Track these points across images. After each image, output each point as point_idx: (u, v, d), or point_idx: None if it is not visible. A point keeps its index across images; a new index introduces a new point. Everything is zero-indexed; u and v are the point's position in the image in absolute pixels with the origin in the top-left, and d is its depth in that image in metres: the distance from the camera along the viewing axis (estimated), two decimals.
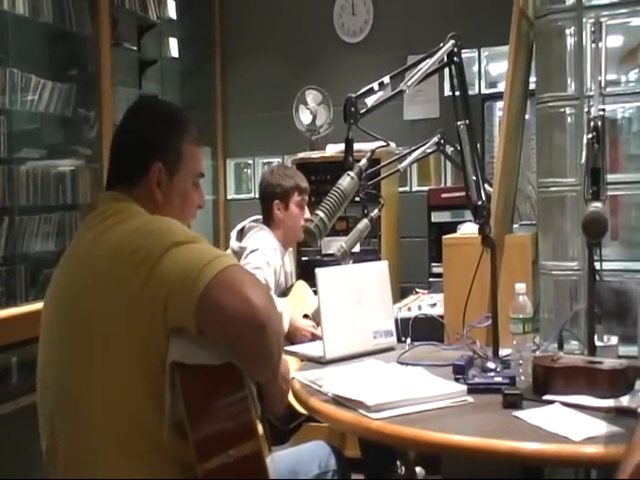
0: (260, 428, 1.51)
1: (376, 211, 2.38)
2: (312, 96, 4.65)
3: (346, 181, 2.09)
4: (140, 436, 1.44)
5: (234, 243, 3.29)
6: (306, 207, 3.37)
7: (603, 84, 2.19)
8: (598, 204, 1.87)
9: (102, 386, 1.46)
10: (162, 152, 1.65)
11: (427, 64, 2.15)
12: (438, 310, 2.80)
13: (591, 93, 2.30)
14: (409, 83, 2.12)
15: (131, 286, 1.43)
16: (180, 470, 1.44)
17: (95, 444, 1.46)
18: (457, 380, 1.97)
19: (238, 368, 1.43)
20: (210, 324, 1.39)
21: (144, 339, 1.43)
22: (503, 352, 2.12)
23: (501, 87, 4.13)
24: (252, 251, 3.13)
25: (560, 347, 2.10)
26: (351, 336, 2.37)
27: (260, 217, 3.40)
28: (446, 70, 2.23)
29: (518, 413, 1.71)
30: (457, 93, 2.22)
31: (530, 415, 1.69)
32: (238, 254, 3.21)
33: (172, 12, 5.07)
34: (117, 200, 1.62)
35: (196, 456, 1.37)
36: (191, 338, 1.41)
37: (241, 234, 3.35)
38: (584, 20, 2.41)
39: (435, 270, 4.04)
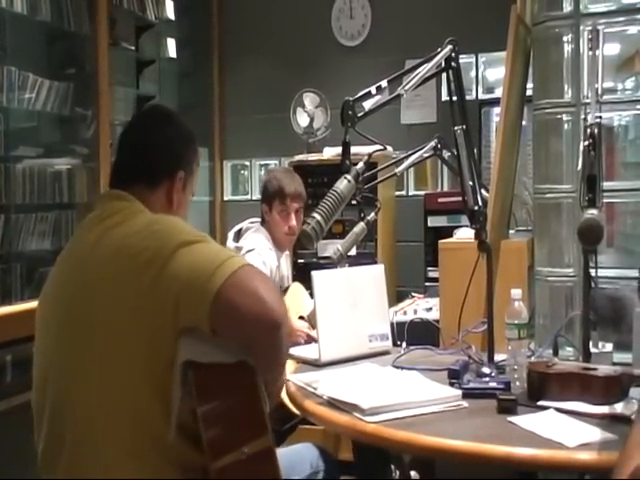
0: None
1: (373, 215, 2.38)
2: (310, 99, 4.65)
3: (343, 184, 2.09)
4: (145, 438, 1.44)
5: (231, 243, 3.29)
6: (292, 215, 3.28)
7: (600, 91, 2.20)
8: (594, 211, 1.88)
9: (106, 387, 1.46)
10: (185, 164, 1.75)
11: (425, 68, 2.16)
12: (434, 314, 2.81)
13: (588, 100, 2.31)
14: (407, 87, 2.13)
15: (138, 285, 1.43)
16: (183, 472, 1.44)
17: (99, 446, 1.45)
18: (452, 385, 1.98)
19: (251, 365, 1.44)
20: (225, 324, 1.40)
21: (152, 339, 1.43)
22: (498, 357, 2.12)
23: (498, 93, 4.14)
24: (248, 251, 3.13)
25: (555, 353, 2.11)
26: (347, 339, 2.37)
27: (258, 219, 3.40)
28: (443, 75, 2.24)
29: (512, 418, 1.72)
30: (454, 98, 2.23)
31: (524, 421, 1.70)
32: None
33: (170, 13, 5.07)
34: (119, 199, 1.63)
35: (209, 453, 1.37)
36: (203, 337, 1.41)
37: (238, 235, 3.35)
38: (581, 27, 2.41)
39: (431, 274, 4.05)
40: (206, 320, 1.38)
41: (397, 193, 4.72)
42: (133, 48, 4.71)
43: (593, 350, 1.99)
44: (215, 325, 1.39)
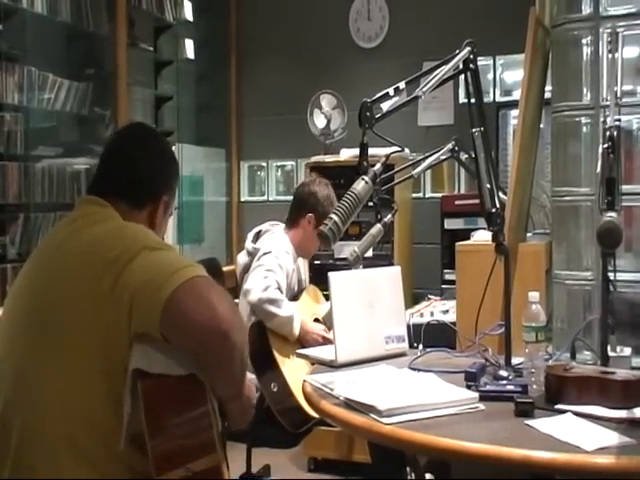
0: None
1: (389, 216, 2.37)
2: (327, 100, 4.65)
3: (360, 185, 2.09)
4: (94, 441, 1.44)
5: (249, 244, 3.31)
6: None
7: (619, 94, 2.19)
8: (613, 214, 1.87)
9: (60, 386, 1.46)
10: (170, 188, 1.78)
11: (443, 70, 2.15)
12: (450, 317, 2.80)
13: (607, 103, 2.30)
14: (425, 89, 2.12)
15: (100, 287, 1.44)
16: (132, 476, 1.44)
17: (47, 445, 1.45)
18: (469, 387, 1.97)
19: (201, 381, 1.43)
20: (174, 330, 1.40)
21: (108, 342, 1.43)
22: (515, 360, 2.11)
23: (516, 95, 4.13)
24: (265, 253, 3.14)
25: (572, 357, 2.09)
26: (363, 341, 2.37)
27: (277, 222, 3.40)
28: (461, 77, 2.23)
29: (530, 422, 1.71)
30: (472, 100, 2.22)
31: (542, 424, 1.68)
32: (252, 254, 3.23)
33: (188, 14, 5.10)
34: (97, 204, 1.66)
35: (154, 468, 1.36)
36: (155, 346, 1.41)
37: (257, 236, 3.36)
38: (601, 30, 2.41)
39: (448, 277, 4.05)
40: (157, 326, 1.39)
41: (414, 195, 4.72)
42: (151, 49, 4.75)
43: (611, 354, 1.98)
44: (165, 331, 1.39)
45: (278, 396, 2.86)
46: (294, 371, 2.87)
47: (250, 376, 1.64)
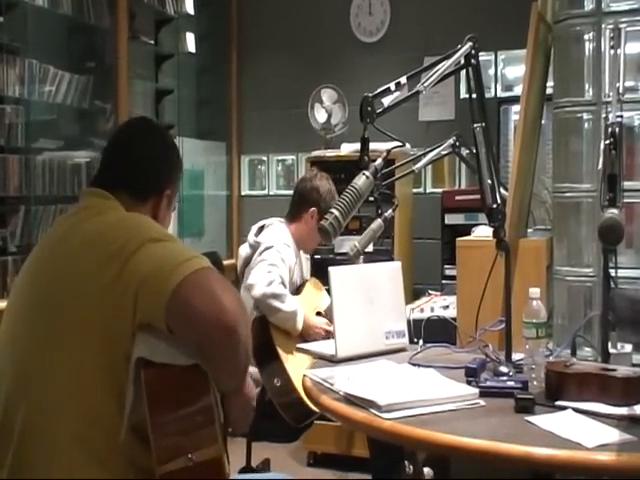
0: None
1: (390, 211, 2.37)
2: (328, 95, 4.65)
3: (361, 180, 2.08)
4: (100, 437, 1.43)
5: (251, 237, 3.31)
6: None
7: (621, 90, 2.18)
8: (614, 211, 1.86)
9: (63, 382, 1.46)
10: (173, 182, 1.79)
11: (444, 65, 2.15)
12: (451, 312, 2.80)
13: (609, 99, 2.28)
14: (426, 84, 2.11)
15: (103, 277, 1.44)
16: (134, 471, 1.44)
17: (52, 442, 1.44)
18: (469, 383, 1.97)
19: (204, 372, 1.43)
20: (179, 322, 1.40)
21: (111, 333, 1.43)
22: (516, 356, 2.11)
23: (517, 91, 4.12)
24: (267, 248, 3.13)
25: (573, 353, 2.09)
26: (363, 336, 2.37)
27: (282, 220, 3.39)
28: (462, 72, 2.22)
29: (530, 418, 1.71)
30: (474, 96, 2.21)
31: (542, 420, 1.68)
32: (254, 247, 3.23)
33: (189, 7, 5.09)
34: (100, 196, 1.65)
35: (156, 457, 1.36)
36: (159, 336, 1.41)
37: (260, 230, 3.36)
38: (603, 26, 2.39)
39: (448, 272, 4.05)
40: (162, 317, 1.39)
41: (415, 190, 4.71)
42: (152, 42, 4.75)
43: (612, 351, 1.97)
44: (170, 322, 1.40)
45: (281, 391, 2.86)
46: (297, 365, 2.87)
47: (252, 369, 1.64)
